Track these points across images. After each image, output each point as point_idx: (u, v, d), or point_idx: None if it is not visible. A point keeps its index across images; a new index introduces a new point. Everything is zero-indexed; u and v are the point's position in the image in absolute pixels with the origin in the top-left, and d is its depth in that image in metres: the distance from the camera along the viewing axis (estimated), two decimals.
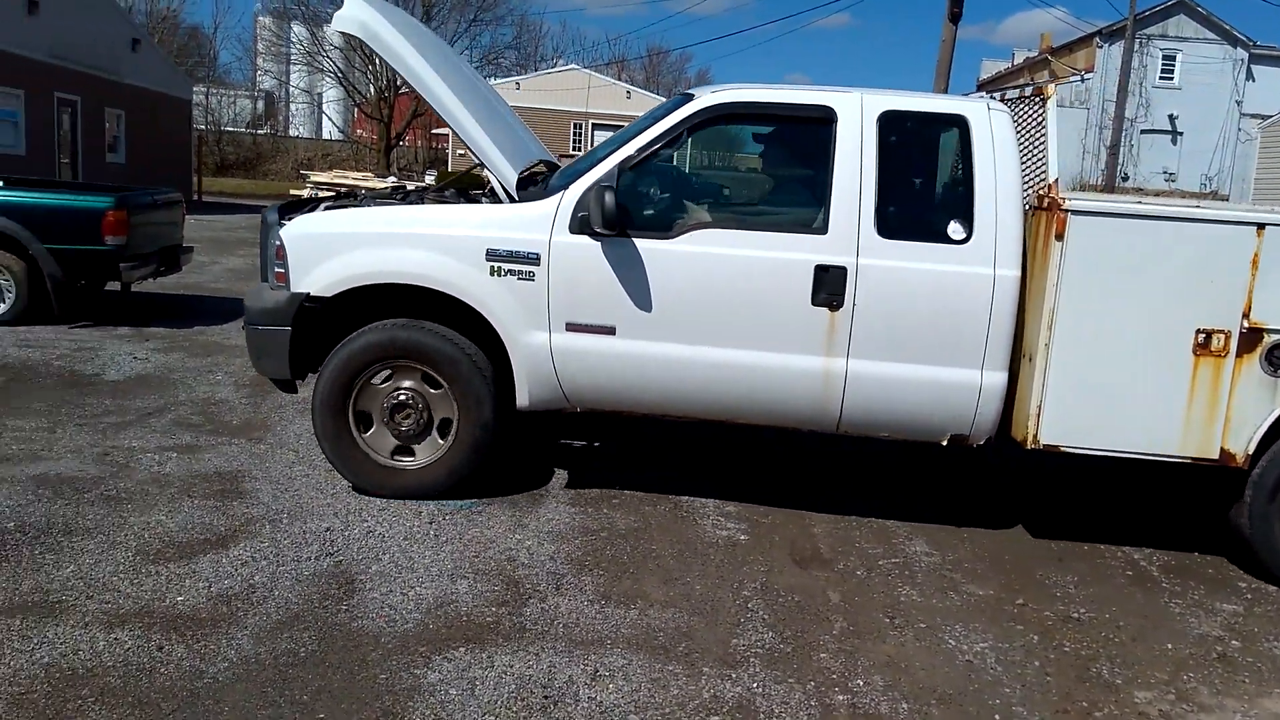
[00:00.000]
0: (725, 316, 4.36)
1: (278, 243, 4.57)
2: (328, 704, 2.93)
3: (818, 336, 4.31)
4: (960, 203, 4.31)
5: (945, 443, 4.48)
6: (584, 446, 5.73)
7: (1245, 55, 35.78)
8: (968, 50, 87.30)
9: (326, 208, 4.81)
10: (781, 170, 5.14)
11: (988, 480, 5.67)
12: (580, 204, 4.34)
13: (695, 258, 4.35)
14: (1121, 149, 30.37)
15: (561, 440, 5.79)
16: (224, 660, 3.12)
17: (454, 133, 4.67)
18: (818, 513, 4.84)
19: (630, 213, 4.35)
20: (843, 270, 4.26)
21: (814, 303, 4.28)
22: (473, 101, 4.79)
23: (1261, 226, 4.00)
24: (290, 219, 4.65)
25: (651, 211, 4.57)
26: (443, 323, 4.52)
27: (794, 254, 4.30)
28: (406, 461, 4.61)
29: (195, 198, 25.12)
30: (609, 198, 4.14)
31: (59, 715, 2.77)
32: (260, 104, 48.44)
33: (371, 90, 37.32)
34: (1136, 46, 29.35)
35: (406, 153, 40.87)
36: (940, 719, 3.11)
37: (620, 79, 45.47)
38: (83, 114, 20.93)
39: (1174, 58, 35.85)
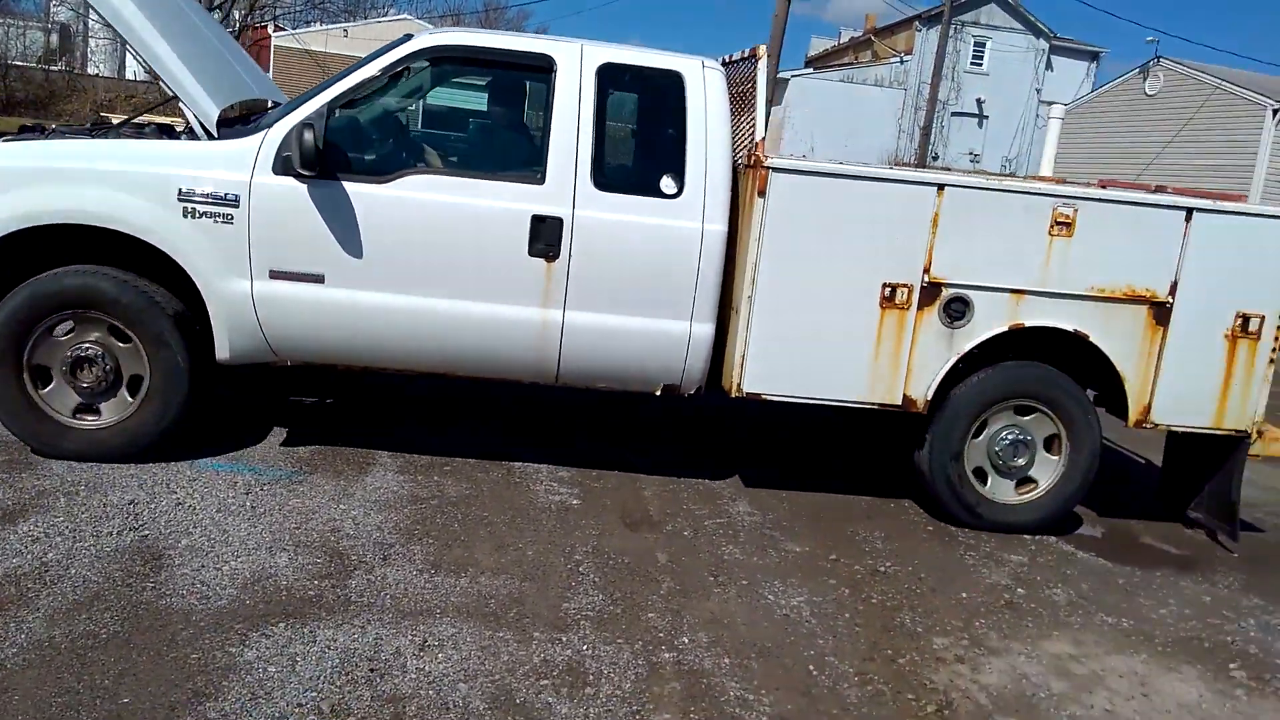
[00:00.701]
0: (441, 265, 4.30)
1: None
2: (132, 687, 2.76)
3: (535, 287, 4.33)
4: (673, 158, 4.39)
5: (658, 393, 4.62)
6: (399, 410, 5.60)
7: (1046, 46, 38.48)
8: (799, 25, 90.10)
9: (7, 140, 4.42)
10: (503, 118, 5.16)
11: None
12: (285, 143, 4.15)
13: (409, 203, 4.26)
14: (934, 130, 32.16)
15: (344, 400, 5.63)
16: (13, 645, 2.88)
17: (144, 63, 4.37)
18: (649, 475, 4.93)
19: (341, 155, 4.24)
20: (559, 221, 4.29)
21: (531, 253, 4.30)
22: (178, 35, 4.49)
23: (941, 188, 4.30)
24: None
25: (364, 154, 4.43)
26: (137, 270, 4.22)
27: (511, 203, 4.29)
28: (91, 420, 4.30)
29: None
30: (308, 135, 3.99)
31: None
32: (55, 37, 44.15)
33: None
34: (951, 32, 31.03)
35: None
36: (760, 671, 3.25)
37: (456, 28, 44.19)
38: None
39: (984, 44, 38.13)
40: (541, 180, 4.29)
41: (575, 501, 4.52)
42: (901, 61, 37.91)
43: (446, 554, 3.83)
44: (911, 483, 4.96)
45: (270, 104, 5.26)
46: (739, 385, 4.40)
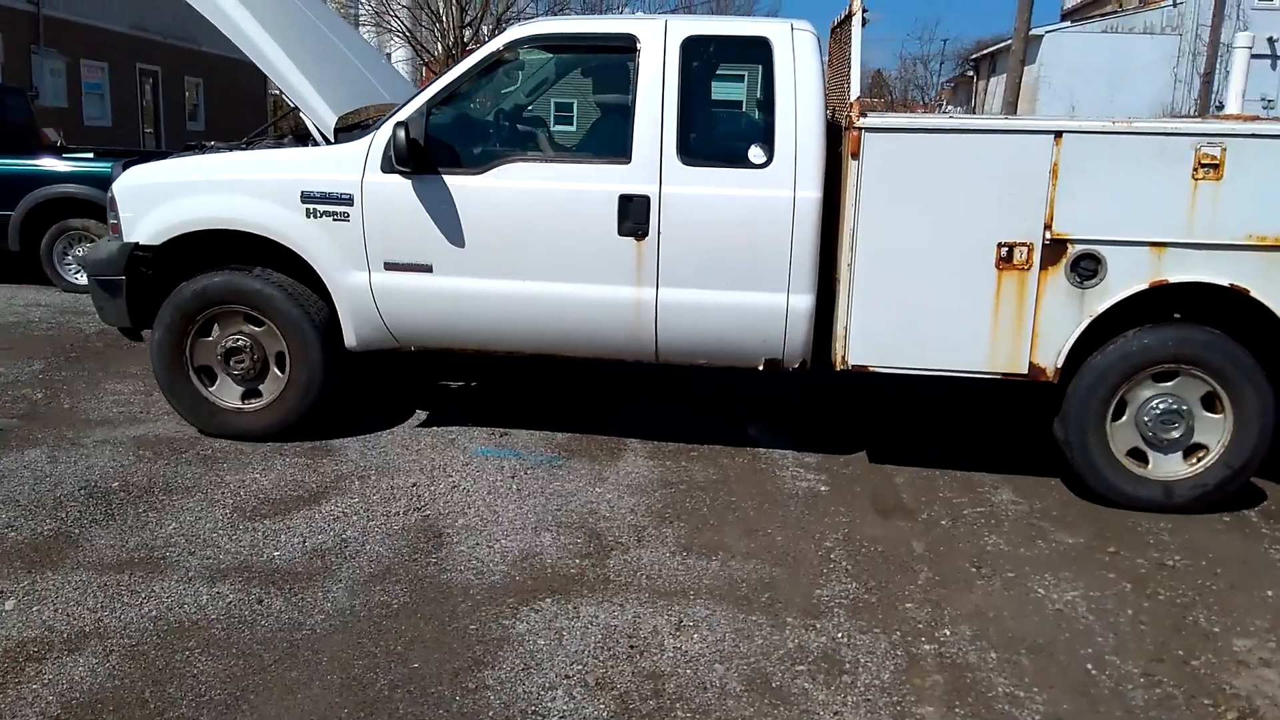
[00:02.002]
0: (536, 250, 4.36)
1: (110, 194, 4.73)
2: (421, 653, 3.02)
3: (626, 266, 4.31)
4: (761, 126, 4.28)
5: (761, 367, 4.48)
6: (646, 399, 5.74)
7: None
8: None
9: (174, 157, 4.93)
10: (591, 101, 5.09)
11: None
12: (390, 143, 4.31)
13: (503, 192, 4.35)
14: (1215, 76, 28.81)
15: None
16: (320, 612, 3.24)
17: (262, 70, 4.60)
18: (899, 465, 4.77)
19: (442, 149, 4.38)
20: (646, 199, 4.25)
21: (620, 232, 4.28)
22: (296, 43, 4.72)
23: (1059, 134, 3.89)
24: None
25: (461, 147, 4.51)
26: (277, 268, 4.59)
27: (598, 184, 4.30)
28: (248, 405, 4.73)
29: None
30: (400, 134, 4.17)
31: (169, 666, 2.92)
32: None
33: (440, 48, 37.36)
34: None
35: None
36: (1031, 668, 3.06)
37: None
38: (164, 84, 21.49)
39: None
40: (628, 159, 4.28)
41: (823, 488, 4.45)
42: (1175, 4, 34.23)
43: (697, 537, 3.90)
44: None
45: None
46: (843, 358, 4.22)
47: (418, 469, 4.48)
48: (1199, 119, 4.41)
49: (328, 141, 4.58)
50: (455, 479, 4.38)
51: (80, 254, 8.24)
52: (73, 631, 3.08)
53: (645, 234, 4.28)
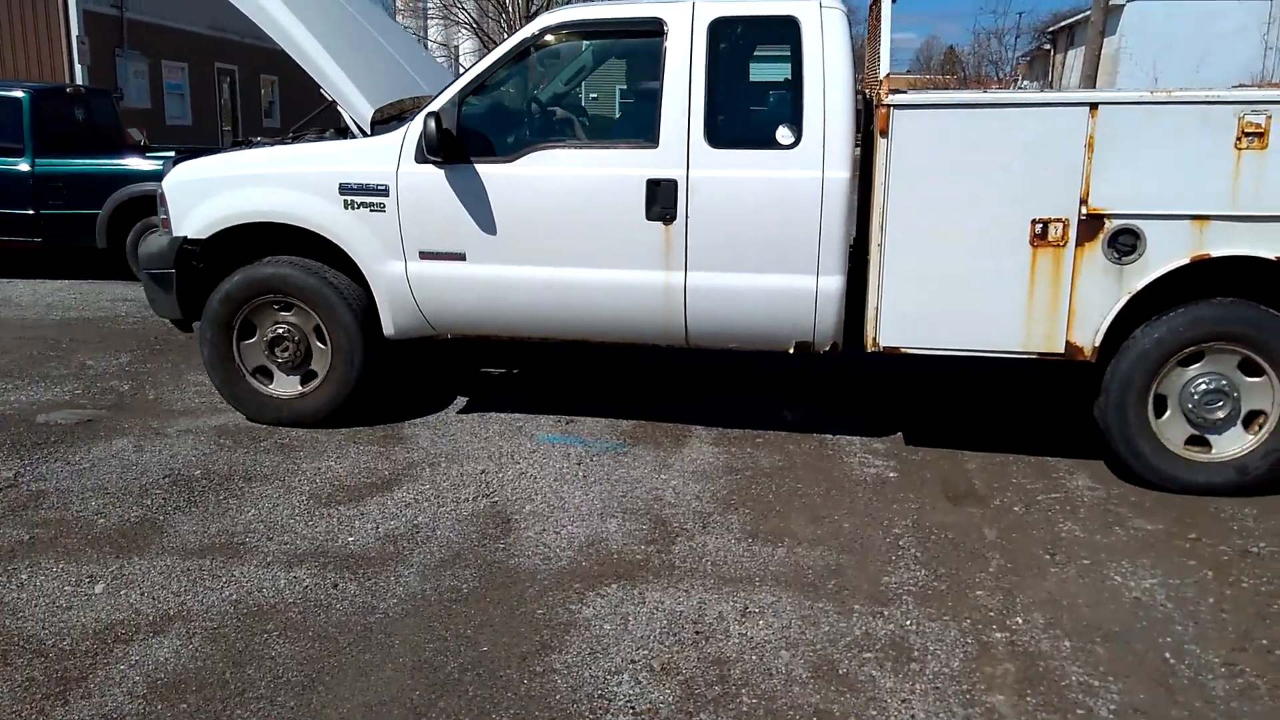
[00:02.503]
0: (567, 236, 4.39)
1: (160, 190, 4.84)
2: (490, 637, 3.08)
3: (655, 251, 4.31)
4: (790, 106, 4.20)
5: (791, 350, 4.45)
6: (717, 383, 5.73)
7: None
8: None
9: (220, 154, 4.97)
10: (620, 86, 5.06)
11: None
12: (423, 133, 4.34)
13: (533, 179, 4.39)
14: None
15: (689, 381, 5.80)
16: (393, 597, 3.32)
17: (299, 64, 4.66)
18: (971, 450, 4.68)
19: (474, 138, 4.42)
20: (673, 183, 4.23)
21: (648, 217, 4.28)
22: (334, 35, 4.78)
23: (1094, 106, 3.79)
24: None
25: (493, 136, 4.53)
26: (319, 259, 4.69)
27: (626, 169, 4.30)
28: (289, 391, 4.86)
29: None
30: (431, 125, 4.23)
31: (248, 648, 3.02)
32: None
33: (506, 38, 37.72)
34: None
35: None
36: (1106, 657, 2.99)
37: None
38: (240, 82, 22.08)
39: None
40: (655, 143, 4.27)
41: (892, 474, 4.40)
42: None
43: (763, 524, 3.89)
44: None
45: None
46: (874, 339, 4.18)
47: (486, 456, 4.55)
48: (1248, 87, 4.23)
49: (365, 134, 4.65)
50: (523, 466, 4.44)
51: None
52: (158, 614, 3.21)
53: (673, 218, 4.28)
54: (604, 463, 4.49)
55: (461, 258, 4.53)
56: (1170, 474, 4.11)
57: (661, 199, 4.26)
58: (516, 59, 4.50)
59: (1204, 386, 4.03)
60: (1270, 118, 3.69)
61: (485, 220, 4.45)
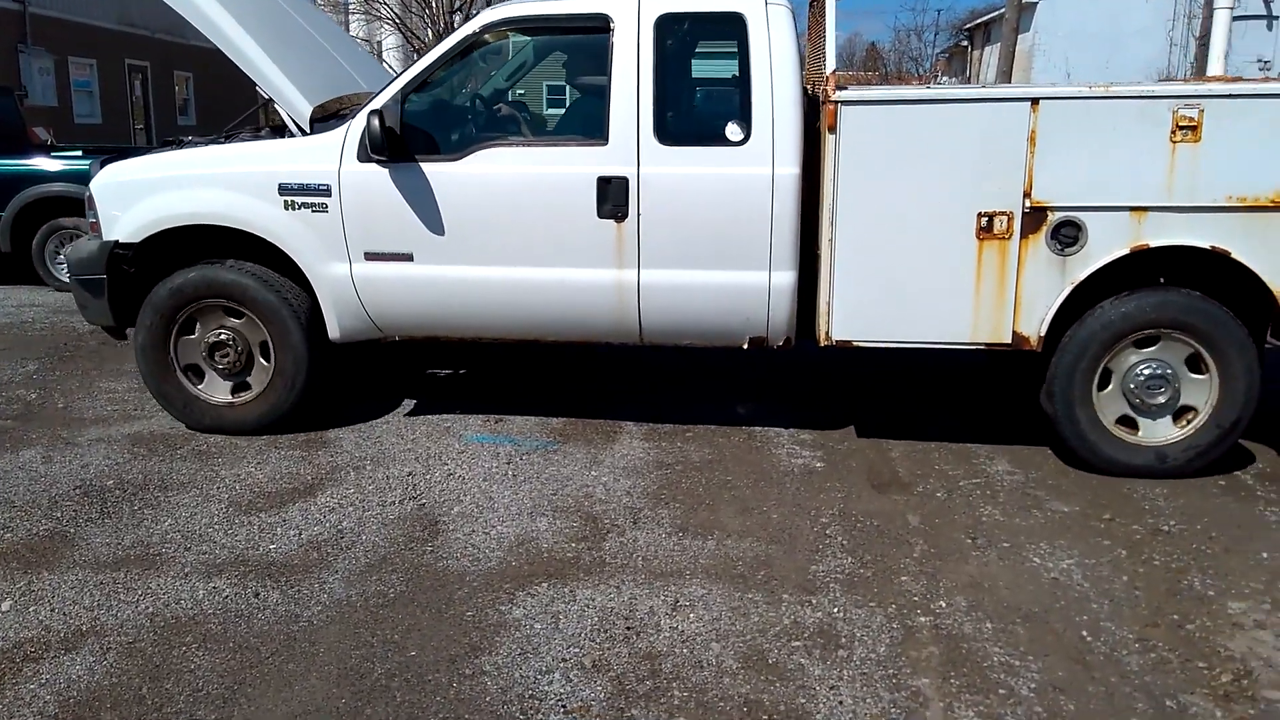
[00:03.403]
0: (516, 235, 4.34)
1: (88, 193, 4.69)
2: (418, 641, 3.03)
3: (607, 249, 4.29)
4: (738, 103, 4.21)
5: (745, 346, 4.46)
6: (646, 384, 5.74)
7: None
8: None
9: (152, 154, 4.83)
10: (566, 83, 5.05)
11: None
12: (366, 132, 4.26)
13: (481, 177, 4.33)
14: (1212, 39, 28.57)
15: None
16: (317, 604, 3.24)
17: (236, 63, 4.56)
18: (895, 439, 4.77)
19: (418, 136, 4.35)
20: (624, 180, 4.22)
21: (600, 215, 4.26)
22: (269, 33, 4.67)
23: (1035, 101, 3.87)
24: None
25: (438, 134, 4.48)
26: (259, 261, 4.57)
27: (576, 167, 4.27)
28: (220, 398, 4.73)
29: None
30: (375, 122, 4.14)
31: (166, 662, 2.93)
32: None
33: (430, 35, 37.21)
34: None
35: None
36: (1026, 637, 3.07)
37: None
38: (153, 79, 21.39)
39: None
40: (605, 140, 4.24)
41: (819, 465, 4.45)
42: None
43: (693, 517, 3.91)
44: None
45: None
46: (827, 333, 4.23)
47: (413, 458, 4.49)
48: (1180, 81, 4.40)
49: (304, 132, 4.54)
50: (450, 467, 4.38)
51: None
52: (69, 631, 3.09)
53: (625, 215, 4.25)
54: (534, 461, 4.46)
55: (409, 258, 4.44)
56: (1097, 448, 4.24)
57: (613, 196, 4.24)
58: (460, 55, 4.42)
59: (1149, 371, 4.15)
60: (1203, 111, 3.81)
61: (432, 220, 4.37)
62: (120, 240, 4.59)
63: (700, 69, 4.60)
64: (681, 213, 4.24)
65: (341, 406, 5.13)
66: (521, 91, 5.32)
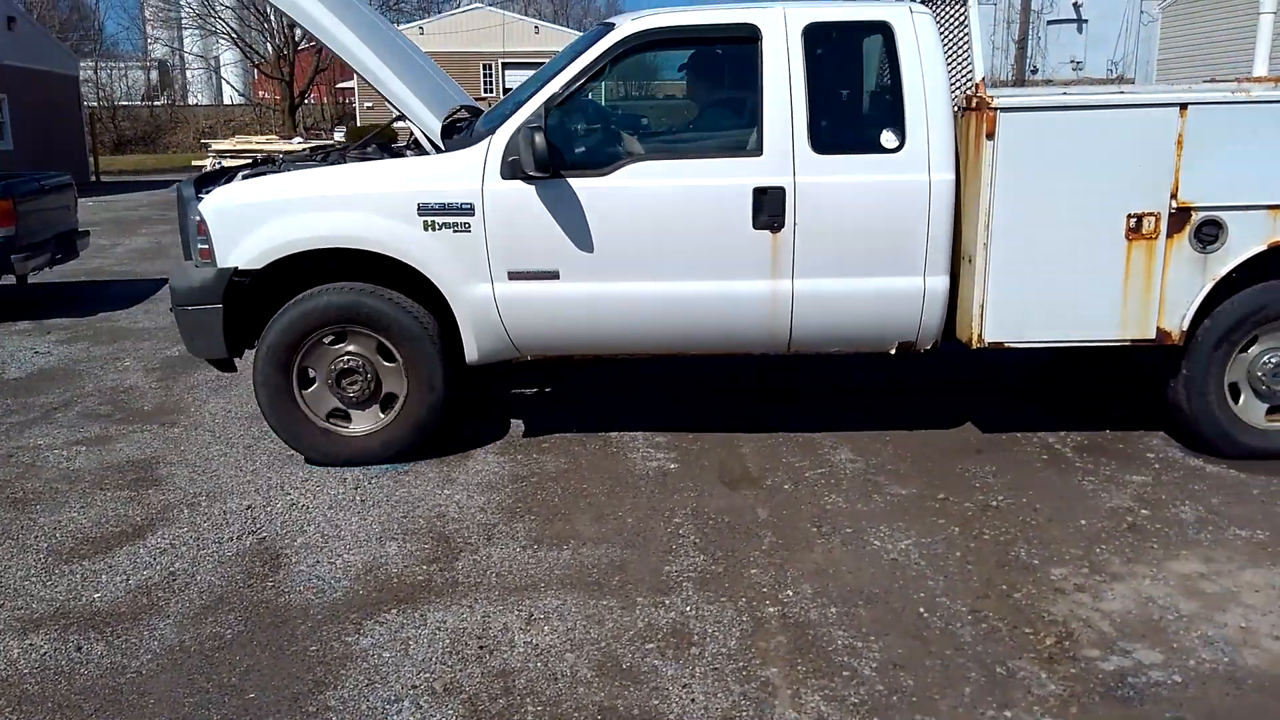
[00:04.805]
0: (668, 249, 4.30)
1: (197, 218, 4.38)
2: (257, 682, 2.90)
3: (762, 260, 4.29)
4: (891, 110, 4.28)
5: (893, 351, 4.52)
6: (515, 395, 5.68)
7: None
8: None
9: (244, 176, 4.58)
10: (710, 94, 5.03)
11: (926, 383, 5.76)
12: (510, 148, 4.21)
13: (632, 192, 4.28)
14: (1030, 42, 30.51)
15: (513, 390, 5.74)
16: (147, 652, 3.06)
17: (367, 84, 4.51)
18: (746, 433, 4.87)
19: (562, 152, 4.24)
20: (781, 190, 4.22)
21: (755, 226, 4.25)
22: (385, 51, 4.63)
23: (1184, 106, 4.06)
24: (209, 191, 4.48)
25: (583, 149, 4.45)
26: (376, 282, 4.40)
27: (731, 179, 4.25)
28: (356, 428, 4.52)
29: (93, 178, 24.09)
30: (539, 139, 4.02)
31: None
32: (154, 74, 46.38)
33: (269, 49, 35.91)
34: None
35: (313, 111, 39.56)
36: (868, 618, 3.18)
37: (527, 14, 44.23)
38: None
39: None
40: (759, 152, 4.24)
41: (673, 465, 4.51)
42: None
43: (548, 528, 3.88)
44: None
45: (461, 108, 5.19)
46: (980, 335, 4.29)
47: (253, 490, 4.30)
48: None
49: (436, 149, 4.41)
50: (293, 496, 4.22)
51: None
52: None
53: (781, 226, 4.23)
54: (383, 484, 4.35)
55: (554, 276, 4.33)
56: (1243, 443, 4.38)
57: (769, 207, 4.21)
58: (604, 68, 4.33)
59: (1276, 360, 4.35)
60: None
61: (581, 236, 4.27)
62: (240, 266, 4.30)
63: (847, 77, 4.60)
64: (838, 221, 4.24)
65: (172, 438, 4.87)
66: (653, 105, 5.13)
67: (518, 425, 5.08)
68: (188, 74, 49.00)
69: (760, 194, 4.22)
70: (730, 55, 4.58)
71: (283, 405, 4.43)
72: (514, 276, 4.34)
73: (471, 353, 4.48)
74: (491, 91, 38.33)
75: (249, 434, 5.00)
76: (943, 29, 4.53)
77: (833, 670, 2.91)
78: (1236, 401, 4.39)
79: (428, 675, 2.92)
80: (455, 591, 3.41)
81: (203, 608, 3.32)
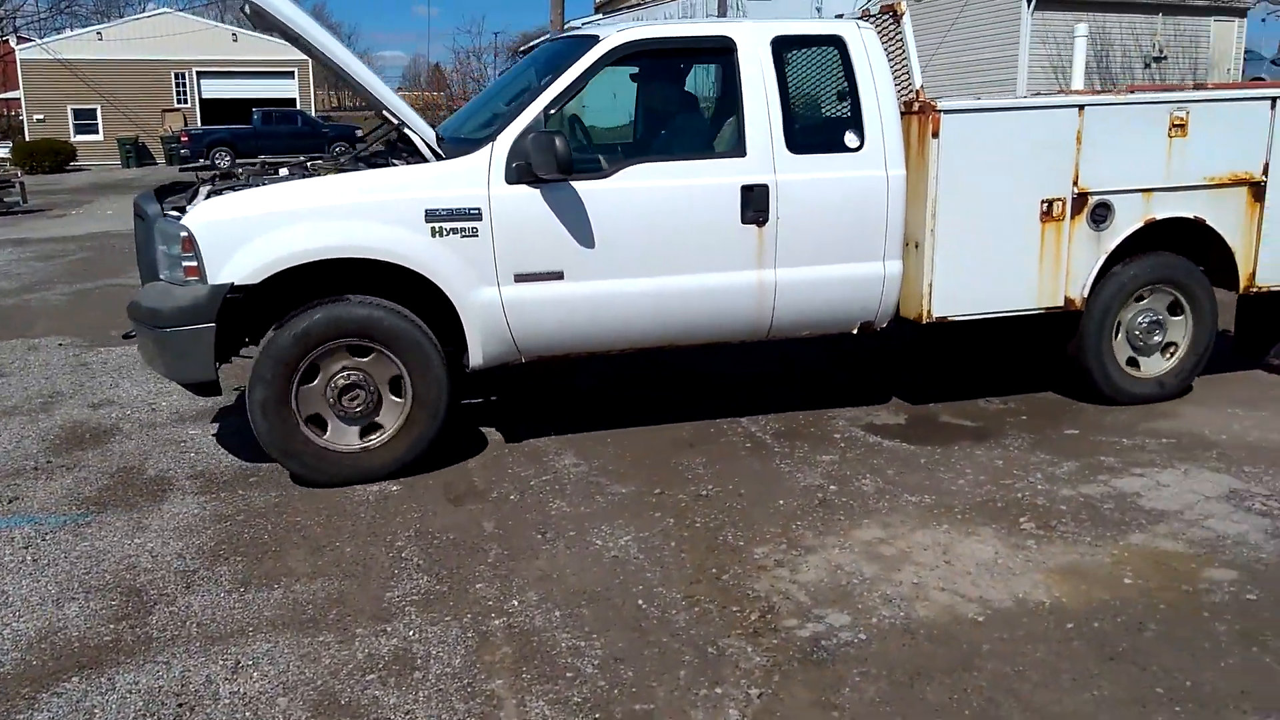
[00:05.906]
0: (666, 245, 4.57)
1: (184, 234, 4.14)
2: None
3: (749, 252, 4.64)
4: (850, 114, 4.75)
5: (855, 331, 4.95)
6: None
7: None
8: None
9: (211, 191, 4.43)
10: (693, 101, 5.40)
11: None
12: (514, 153, 4.35)
13: (632, 192, 4.51)
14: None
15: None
16: None
17: (358, 95, 4.72)
18: (470, 454, 4.83)
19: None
20: (765, 187, 4.59)
21: (743, 220, 4.60)
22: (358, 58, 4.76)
23: (1081, 108, 4.80)
24: (175, 208, 4.36)
25: (583, 153, 4.69)
26: (372, 293, 4.36)
27: (722, 178, 4.59)
28: (368, 441, 4.43)
29: None
30: (560, 143, 4.20)
31: None
32: None
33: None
34: None
35: None
36: (591, 617, 3.26)
37: (224, 21, 41.36)
38: None
39: None
40: (744, 153, 4.57)
41: (395, 488, 4.38)
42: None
43: (257, 568, 3.65)
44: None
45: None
46: (929, 312, 4.79)
47: None
48: (1170, 88, 6.21)
49: (437, 156, 4.43)
50: None
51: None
52: None
53: (765, 220, 4.59)
54: (61, 540, 3.90)
55: (559, 276, 4.46)
56: (1126, 390, 5.19)
57: (755, 203, 4.55)
58: (593, 76, 4.50)
59: (1145, 321, 5.17)
60: (1189, 112, 4.88)
61: (584, 237, 4.43)
62: (236, 282, 4.08)
63: (812, 85, 5.00)
64: (814, 214, 4.65)
65: None
66: (644, 111, 5.54)
67: (219, 460, 4.74)
68: None
69: (747, 191, 4.58)
70: (712, 65, 5.06)
71: (283, 428, 4.30)
72: (520, 279, 4.45)
73: (476, 358, 4.54)
74: (186, 101, 35.61)
75: None
76: (883, 42, 5.01)
77: (556, 673, 2.95)
78: (1121, 358, 5.20)
79: None
80: (149, 649, 3.12)
81: None
